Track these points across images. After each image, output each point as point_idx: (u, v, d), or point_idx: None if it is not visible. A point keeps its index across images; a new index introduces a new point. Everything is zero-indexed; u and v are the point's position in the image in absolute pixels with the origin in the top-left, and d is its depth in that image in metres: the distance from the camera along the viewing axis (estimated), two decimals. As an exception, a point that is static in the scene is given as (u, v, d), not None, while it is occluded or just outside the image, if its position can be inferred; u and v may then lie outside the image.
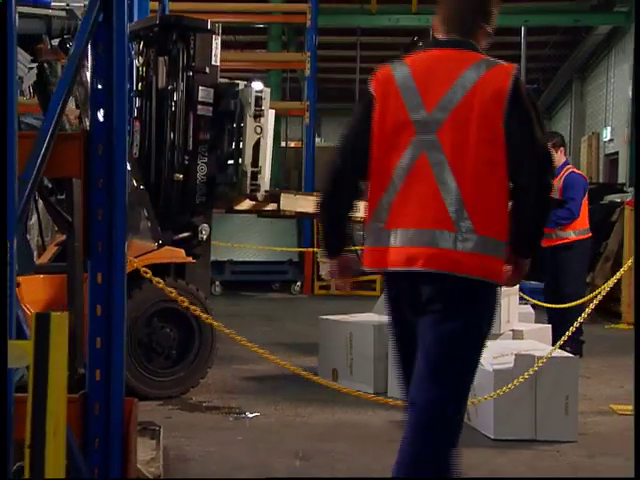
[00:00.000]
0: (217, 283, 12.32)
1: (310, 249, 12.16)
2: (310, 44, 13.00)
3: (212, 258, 12.03)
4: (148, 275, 3.47)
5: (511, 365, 4.57)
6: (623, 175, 14.87)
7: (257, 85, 5.82)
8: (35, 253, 7.00)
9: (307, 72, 13.04)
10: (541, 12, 15.34)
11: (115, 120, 2.29)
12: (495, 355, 4.82)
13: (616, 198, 10.59)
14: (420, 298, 2.63)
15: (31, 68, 4.16)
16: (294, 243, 12.40)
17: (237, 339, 4.07)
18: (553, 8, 15.85)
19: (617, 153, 16.00)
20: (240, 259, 12.29)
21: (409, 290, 2.66)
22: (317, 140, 19.16)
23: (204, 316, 3.73)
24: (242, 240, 11.46)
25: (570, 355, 4.85)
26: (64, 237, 4.97)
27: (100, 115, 2.30)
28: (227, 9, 13.83)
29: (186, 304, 3.54)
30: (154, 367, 5.40)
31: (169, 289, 3.48)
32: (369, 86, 2.83)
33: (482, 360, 4.70)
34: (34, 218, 6.97)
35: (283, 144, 16.23)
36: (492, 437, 4.55)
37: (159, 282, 3.42)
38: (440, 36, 2.84)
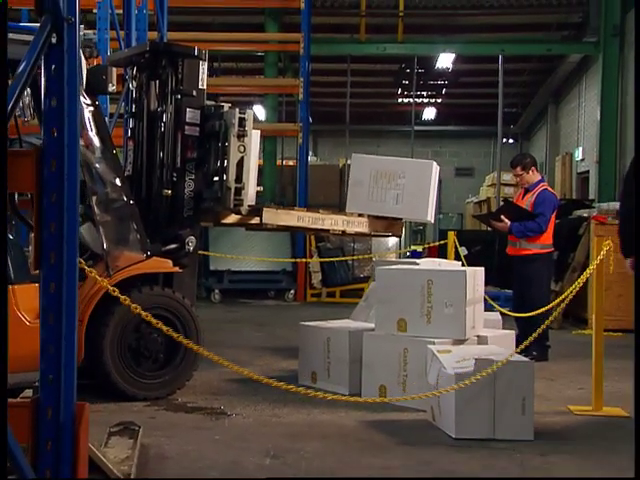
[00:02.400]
0: (216, 291, 12.24)
1: (303, 260, 12.07)
2: (303, 71, 12.98)
3: (212, 268, 12.10)
4: (107, 286, 3.38)
5: (471, 369, 4.47)
6: (593, 191, 14.84)
7: (256, 109, 5.78)
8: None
9: (300, 96, 13.00)
10: (516, 42, 15.36)
11: (67, 137, 2.21)
12: (457, 359, 4.73)
13: (584, 213, 10.57)
14: None
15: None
16: (288, 254, 12.33)
17: (190, 345, 4.01)
18: (527, 38, 15.88)
19: (588, 171, 15.97)
20: (238, 269, 12.23)
21: None
22: (314, 159, 19.13)
23: (154, 321, 3.62)
24: (240, 251, 11.40)
25: (526, 359, 4.76)
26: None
27: (53, 132, 2.21)
28: (227, 38, 13.85)
29: (139, 310, 3.44)
30: (142, 370, 5.30)
31: (123, 297, 3.38)
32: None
33: (445, 363, 4.67)
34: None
35: (279, 162, 16.16)
36: (453, 436, 4.44)
37: (114, 290, 3.33)
38: None
